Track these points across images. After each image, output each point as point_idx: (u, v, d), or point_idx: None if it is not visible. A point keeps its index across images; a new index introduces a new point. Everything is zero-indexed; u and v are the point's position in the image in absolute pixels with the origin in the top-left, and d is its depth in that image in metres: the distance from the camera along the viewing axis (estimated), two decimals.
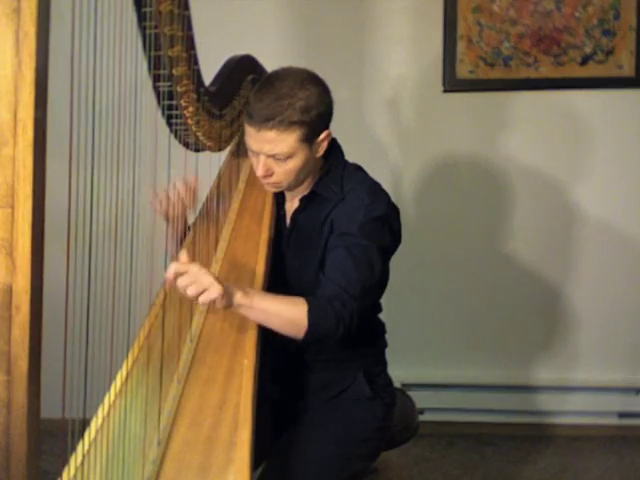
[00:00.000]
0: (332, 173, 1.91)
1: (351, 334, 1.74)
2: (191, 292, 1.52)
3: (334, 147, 1.94)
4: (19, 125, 0.90)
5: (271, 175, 1.83)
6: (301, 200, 1.93)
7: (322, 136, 1.83)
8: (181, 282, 1.52)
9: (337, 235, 1.82)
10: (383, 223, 1.84)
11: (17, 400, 0.93)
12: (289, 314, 1.68)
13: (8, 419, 0.93)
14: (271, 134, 1.75)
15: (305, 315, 1.66)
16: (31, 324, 0.93)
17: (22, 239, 0.91)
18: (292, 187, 1.91)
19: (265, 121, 1.74)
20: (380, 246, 1.80)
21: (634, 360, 3.44)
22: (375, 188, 1.89)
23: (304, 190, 1.93)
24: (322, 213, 1.88)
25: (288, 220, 1.97)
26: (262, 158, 1.80)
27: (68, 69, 1.02)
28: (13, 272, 0.92)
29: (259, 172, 1.82)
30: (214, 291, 1.53)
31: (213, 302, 1.55)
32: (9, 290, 0.92)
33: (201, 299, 1.53)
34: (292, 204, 1.97)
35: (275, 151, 1.77)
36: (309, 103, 1.77)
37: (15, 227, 0.91)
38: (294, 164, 1.81)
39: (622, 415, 3.43)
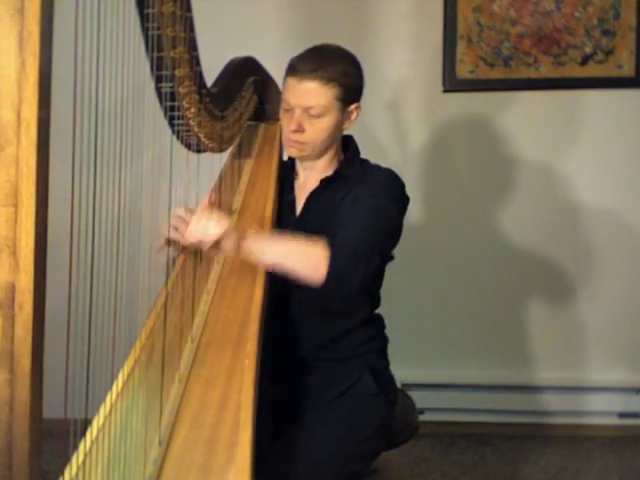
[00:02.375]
0: (354, 160, 2.02)
1: (365, 288, 1.78)
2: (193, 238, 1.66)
3: (352, 144, 2.05)
4: (23, 124, 0.91)
5: (302, 132, 1.90)
6: (321, 182, 1.97)
7: (353, 106, 1.96)
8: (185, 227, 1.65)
9: (354, 199, 1.87)
10: (399, 196, 1.92)
11: (19, 398, 0.93)
12: (310, 257, 1.70)
13: (10, 417, 0.93)
14: (312, 85, 1.87)
15: (326, 260, 1.68)
16: (34, 322, 0.93)
17: (25, 238, 0.92)
18: (315, 153, 1.96)
19: (310, 72, 1.87)
20: (398, 209, 1.88)
21: (634, 360, 3.44)
22: (394, 172, 1.98)
23: (323, 171, 1.99)
24: (341, 193, 1.93)
25: (299, 206, 2.01)
26: (297, 112, 1.90)
27: (71, 70, 1.02)
28: (16, 270, 0.92)
29: (292, 126, 1.90)
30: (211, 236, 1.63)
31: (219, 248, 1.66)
32: (12, 288, 0.92)
33: (203, 243, 1.65)
34: (305, 188, 2.01)
35: (312, 102, 1.87)
36: (349, 70, 1.92)
37: (18, 226, 0.91)
38: (325, 123, 1.90)
39: (622, 415, 3.44)
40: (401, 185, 1.95)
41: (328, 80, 1.87)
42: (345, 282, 1.71)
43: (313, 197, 1.98)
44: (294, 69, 1.90)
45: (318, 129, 1.91)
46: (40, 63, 0.91)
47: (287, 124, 1.93)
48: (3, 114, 0.92)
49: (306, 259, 1.70)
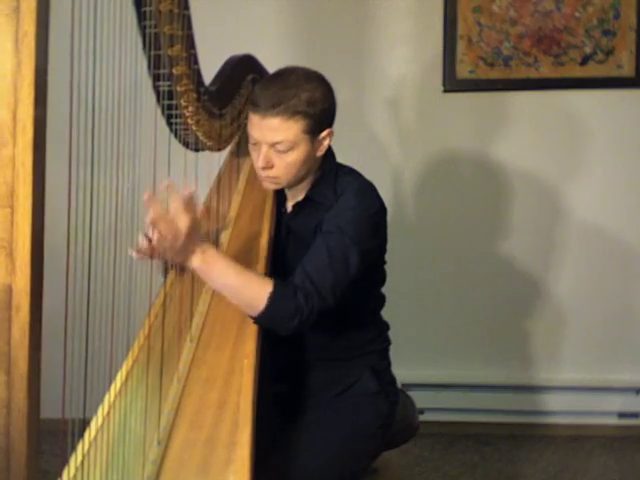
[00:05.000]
0: (326, 178, 1.91)
1: (305, 329, 1.71)
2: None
3: (328, 157, 1.93)
4: (19, 125, 0.90)
5: (271, 168, 1.82)
6: (294, 207, 1.93)
7: (324, 134, 1.84)
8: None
9: (321, 233, 1.80)
10: (368, 224, 1.82)
11: (17, 400, 0.93)
12: (248, 294, 1.65)
13: (8, 419, 0.93)
14: (275, 121, 1.76)
15: (265, 299, 1.63)
16: (31, 324, 0.93)
17: (22, 239, 0.92)
18: (291, 184, 1.89)
19: (271, 107, 1.75)
20: (361, 248, 1.77)
21: (634, 360, 3.43)
22: (363, 189, 1.88)
23: (299, 194, 1.93)
24: (315, 219, 1.86)
25: (283, 229, 1.96)
26: (264, 149, 1.80)
27: (68, 69, 1.01)
28: (13, 272, 0.92)
29: (260, 163, 1.81)
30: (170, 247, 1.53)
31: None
32: (9, 290, 0.92)
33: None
34: (287, 213, 1.97)
35: (278, 139, 1.77)
36: (315, 96, 1.79)
37: (15, 227, 0.91)
38: (294, 157, 1.80)
39: (622, 415, 3.43)
40: (370, 203, 1.85)
41: (292, 114, 1.76)
42: (276, 327, 1.68)
43: (290, 223, 1.95)
44: (255, 103, 1.79)
45: (288, 163, 1.81)
46: (36, 63, 0.90)
47: (255, 159, 1.83)
48: None
49: (244, 297, 1.65)
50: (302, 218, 1.91)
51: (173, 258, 1.59)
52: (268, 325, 1.68)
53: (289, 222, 1.94)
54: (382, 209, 1.88)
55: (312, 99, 1.78)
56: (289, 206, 1.97)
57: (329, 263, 1.72)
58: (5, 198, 0.91)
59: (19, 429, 0.93)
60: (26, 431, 0.93)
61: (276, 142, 1.78)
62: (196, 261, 1.59)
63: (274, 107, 1.75)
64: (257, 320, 1.66)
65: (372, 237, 1.84)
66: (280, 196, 2.01)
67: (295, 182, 1.89)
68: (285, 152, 1.79)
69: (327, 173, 1.92)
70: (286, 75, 1.83)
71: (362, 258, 1.77)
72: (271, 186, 1.90)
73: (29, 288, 0.93)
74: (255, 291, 1.64)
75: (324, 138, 1.85)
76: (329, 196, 1.87)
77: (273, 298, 1.63)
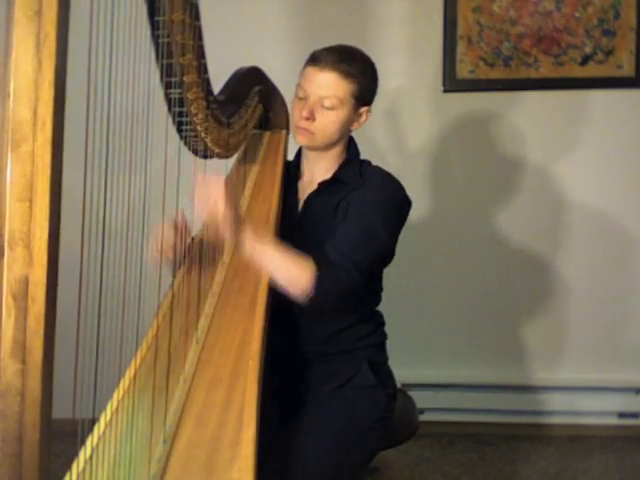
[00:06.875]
0: (352, 162, 2.03)
1: (349, 304, 1.83)
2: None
3: (353, 144, 2.06)
4: (38, 122, 0.93)
5: (313, 120, 1.92)
6: (320, 185, 2.00)
7: (364, 109, 1.98)
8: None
9: (351, 212, 1.90)
10: (395, 207, 1.94)
11: (31, 388, 0.96)
12: (293, 275, 1.74)
13: (22, 407, 0.95)
14: (332, 75, 1.90)
15: (310, 280, 1.72)
16: (46, 315, 0.96)
17: (39, 232, 0.95)
18: (321, 145, 1.98)
19: (332, 63, 1.90)
20: (391, 230, 1.89)
21: (634, 360, 3.45)
22: (388, 175, 2.00)
23: (326, 170, 2.01)
24: (337, 197, 1.95)
25: (300, 206, 2.03)
26: (311, 100, 1.92)
27: (85, 75, 1.04)
28: (30, 264, 0.95)
29: (305, 112, 1.92)
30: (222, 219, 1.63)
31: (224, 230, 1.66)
32: (26, 281, 0.95)
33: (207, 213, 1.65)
34: (306, 191, 2.03)
35: (329, 92, 1.90)
36: (367, 72, 1.96)
37: (33, 220, 0.94)
38: (336, 117, 1.93)
39: (622, 415, 3.44)
40: (398, 189, 1.97)
41: (348, 74, 1.90)
42: (325, 302, 1.78)
43: (311, 200, 2.01)
44: (316, 58, 1.93)
45: (329, 121, 1.92)
46: (56, 64, 0.94)
47: (298, 111, 1.94)
48: (20, 111, 0.94)
49: (289, 275, 1.74)
50: (326, 197, 1.99)
51: (225, 231, 1.66)
52: (314, 304, 1.77)
53: (311, 200, 2.01)
54: (407, 198, 1.98)
55: (365, 72, 1.95)
56: (310, 187, 2.03)
57: (361, 238, 1.83)
58: (24, 192, 0.94)
59: (32, 416, 0.96)
60: (39, 419, 0.96)
61: (326, 96, 1.90)
62: (249, 244, 1.69)
63: (335, 63, 1.90)
64: (311, 300, 1.74)
65: (399, 219, 1.96)
66: (290, 185, 2.06)
67: (325, 145, 1.98)
68: (330, 109, 1.92)
69: (353, 158, 2.04)
70: (348, 47, 1.98)
71: (392, 239, 1.91)
72: (305, 141, 1.98)
73: (45, 280, 0.95)
74: (297, 272, 1.74)
75: (362, 114, 1.99)
76: (355, 178, 1.98)
77: (319, 280, 1.73)
